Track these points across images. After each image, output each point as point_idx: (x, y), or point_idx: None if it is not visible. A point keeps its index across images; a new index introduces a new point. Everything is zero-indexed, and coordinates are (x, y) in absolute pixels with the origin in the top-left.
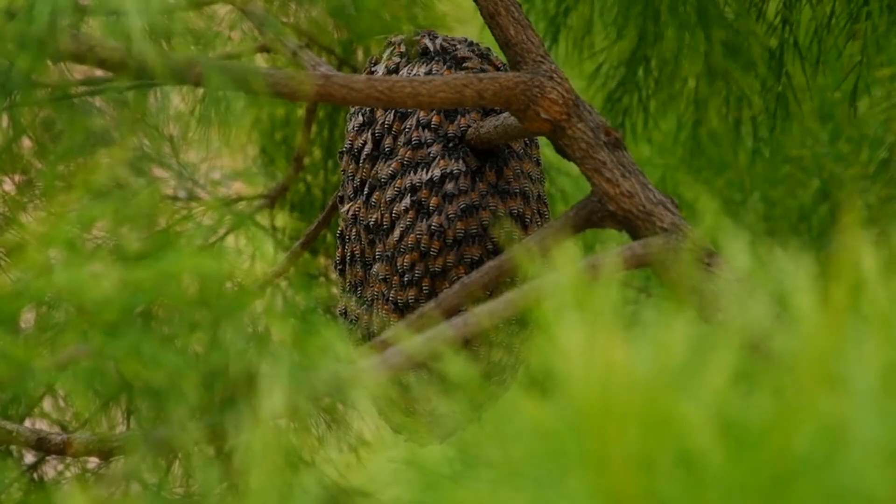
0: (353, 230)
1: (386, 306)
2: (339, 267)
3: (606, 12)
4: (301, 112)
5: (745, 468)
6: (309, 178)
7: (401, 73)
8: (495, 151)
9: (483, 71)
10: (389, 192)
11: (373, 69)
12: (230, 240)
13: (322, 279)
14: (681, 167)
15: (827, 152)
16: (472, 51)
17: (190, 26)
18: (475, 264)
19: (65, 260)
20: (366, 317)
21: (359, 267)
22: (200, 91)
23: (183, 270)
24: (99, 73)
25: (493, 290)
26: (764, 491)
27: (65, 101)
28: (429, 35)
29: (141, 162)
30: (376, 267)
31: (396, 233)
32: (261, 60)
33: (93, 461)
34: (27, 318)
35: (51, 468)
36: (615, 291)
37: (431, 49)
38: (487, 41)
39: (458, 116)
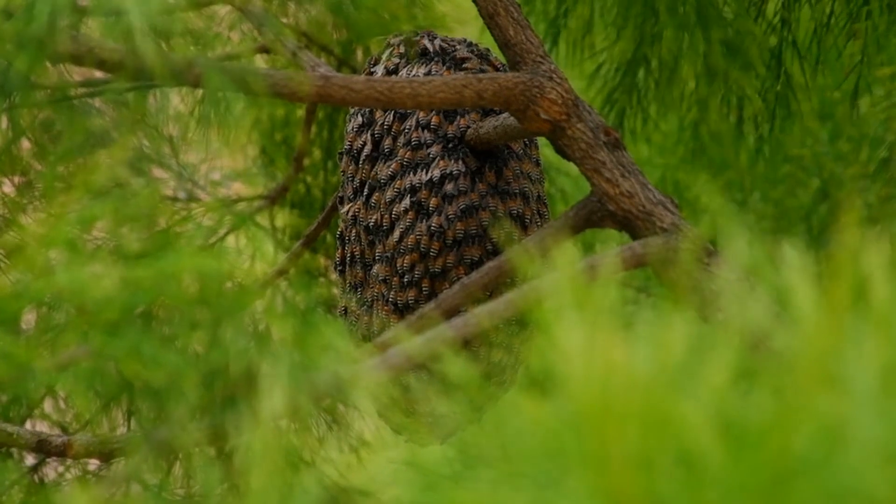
0: (353, 231)
1: (386, 307)
2: (338, 268)
3: (606, 13)
4: (301, 113)
5: (744, 468)
6: (309, 178)
7: (400, 73)
8: (495, 152)
9: (482, 71)
10: (389, 193)
11: (372, 70)
12: (230, 240)
13: (322, 279)
14: (681, 167)
15: (827, 151)
16: (472, 51)
17: (189, 27)
18: (475, 265)
19: (65, 260)
20: (366, 318)
21: (359, 268)
22: (200, 92)
23: (183, 270)
24: (98, 74)
25: (492, 290)
26: (764, 490)
27: (64, 103)
28: (428, 36)
29: (140, 162)
30: (376, 268)
31: (396, 234)
32: (260, 61)
33: (93, 463)
34: (28, 319)
35: (51, 470)
36: (614, 291)
37: (431, 50)
38: (488, 42)
39: (458, 117)
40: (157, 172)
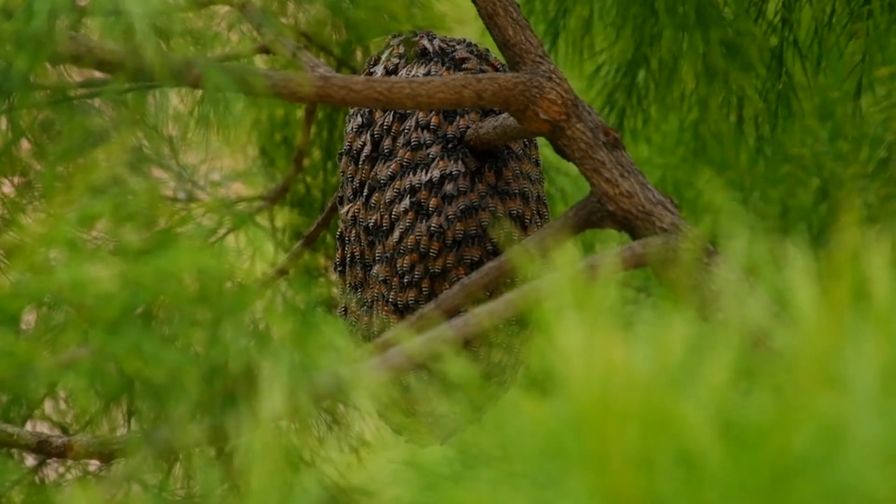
0: (353, 232)
1: (386, 308)
2: (338, 268)
3: (605, 13)
4: (300, 113)
5: (744, 467)
6: (308, 179)
7: (399, 74)
8: (494, 152)
9: (482, 72)
10: (389, 194)
11: (371, 70)
12: (230, 240)
13: (322, 279)
14: (681, 167)
15: (827, 151)
16: (471, 51)
17: (189, 27)
18: (475, 265)
19: (65, 259)
20: (366, 318)
21: (358, 268)
22: (199, 92)
23: (183, 268)
24: (98, 75)
25: (492, 290)
26: (763, 490)
27: (63, 103)
28: (427, 36)
29: (140, 163)
30: (376, 268)
31: (396, 234)
32: (260, 61)
33: (94, 464)
34: (28, 319)
35: (52, 471)
36: (614, 291)
37: (430, 50)
38: (488, 43)
39: (457, 117)
40: (157, 173)
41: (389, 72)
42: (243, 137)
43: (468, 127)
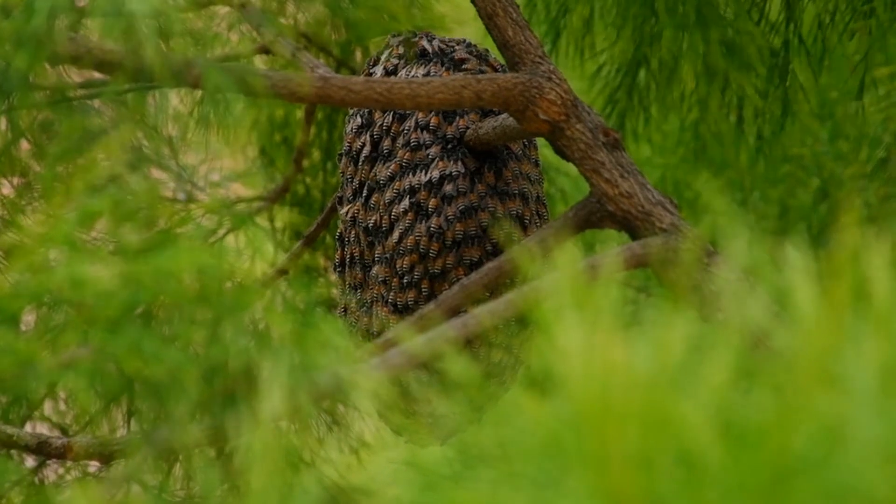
0: (353, 232)
1: (385, 308)
2: (338, 269)
3: (606, 13)
4: (300, 113)
5: (744, 467)
6: (308, 179)
7: (399, 74)
8: (494, 153)
9: (481, 72)
10: (388, 194)
11: (371, 71)
12: (230, 240)
13: (322, 280)
14: (681, 167)
15: (827, 151)
16: (471, 52)
17: (189, 27)
18: (474, 266)
19: (65, 258)
20: (365, 319)
21: (358, 269)
22: (199, 92)
23: (183, 268)
24: (97, 75)
25: (492, 291)
26: (763, 490)
27: (63, 104)
28: (426, 37)
29: (140, 163)
30: (375, 269)
31: (395, 235)
32: (259, 62)
33: (93, 464)
34: (27, 319)
35: (51, 472)
36: (615, 291)
37: (429, 51)
38: (488, 44)
39: (457, 118)
40: (157, 173)
41: (389, 72)
42: (243, 138)
43: (468, 127)
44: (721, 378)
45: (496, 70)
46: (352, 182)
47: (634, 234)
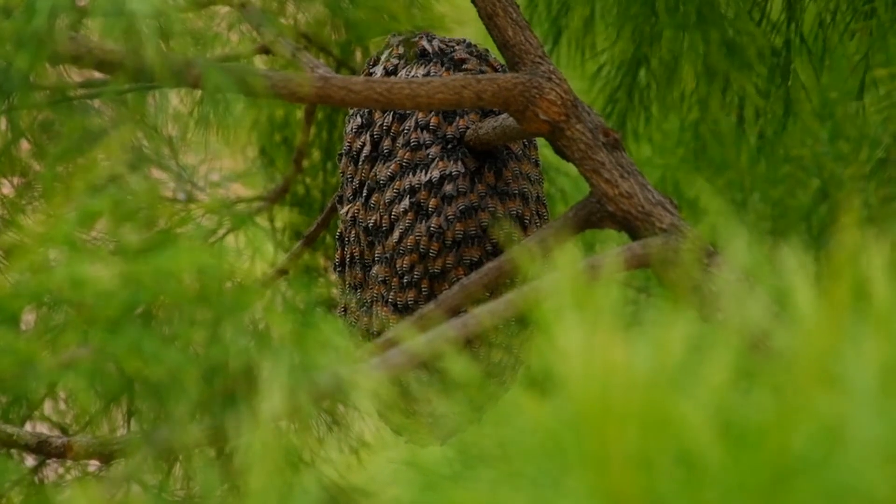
0: (353, 232)
1: (385, 308)
2: (338, 269)
3: (606, 13)
4: (300, 114)
5: (744, 467)
6: (308, 179)
7: (399, 74)
8: (494, 153)
9: (481, 72)
10: (388, 194)
11: (371, 71)
12: (230, 240)
13: (322, 279)
14: (681, 167)
15: (827, 151)
16: (471, 52)
17: (189, 27)
18: (474, 266)
19: (65, 258)
20: (365, 318)
21: (358, 269)
22: (199, 92)
23: (183, 268)
24: (98, 75)
25: (492, 290)
26: (763, 490)
27: (63, 104)
28: (426, 37)
29: (140, 163)
30: (375, 269)
31: (395, 234)
32: (259, 62)
33: (93, 464)
34: (27, 319)
35: (51, 471)
36: (615, 292)
37: (429, 51)
38: (488, 44)
39: (457, 118)
40: (157, 173)
41: (389, 72)
42: (243, 138)
43: (468, 127)
44: (721, 378)
45: (496, 70)
46: (352, 182)
47: (634, 235)
